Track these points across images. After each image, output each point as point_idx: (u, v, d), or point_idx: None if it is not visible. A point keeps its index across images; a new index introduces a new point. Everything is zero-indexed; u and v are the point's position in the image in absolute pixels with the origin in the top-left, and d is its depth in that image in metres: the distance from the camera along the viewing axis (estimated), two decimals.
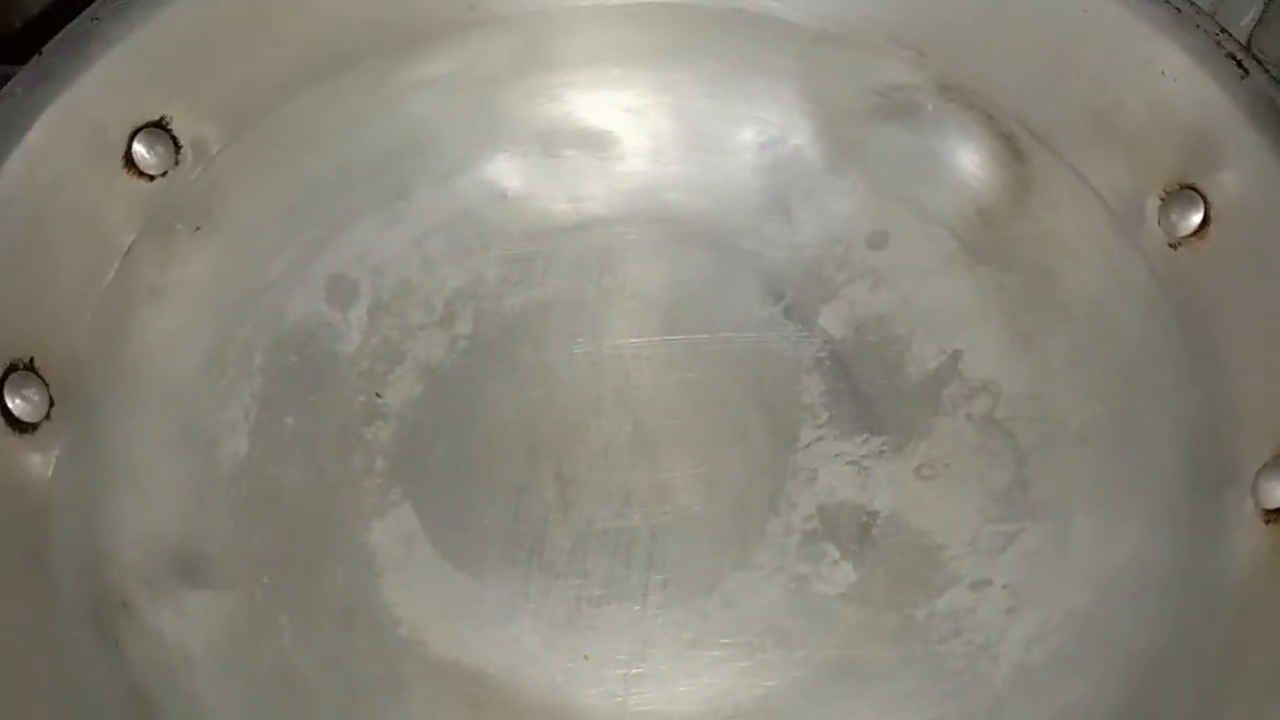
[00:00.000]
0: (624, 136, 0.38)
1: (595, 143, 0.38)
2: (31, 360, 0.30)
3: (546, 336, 0.35)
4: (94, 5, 0.31)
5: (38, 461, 0.29)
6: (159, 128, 0.33)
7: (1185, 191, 0.31)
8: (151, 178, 0.33)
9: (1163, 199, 0.32)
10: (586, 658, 0.31)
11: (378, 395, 0.34)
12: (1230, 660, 0.26)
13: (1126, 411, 0.32)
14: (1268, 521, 0.27)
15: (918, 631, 0.30)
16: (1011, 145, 0.35)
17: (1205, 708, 0.25)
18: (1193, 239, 0.31)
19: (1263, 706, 0.24)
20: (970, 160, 0.36)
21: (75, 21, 0.30)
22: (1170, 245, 0.32)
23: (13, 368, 0.29)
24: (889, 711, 0.29)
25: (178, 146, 0.33)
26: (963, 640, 0.30)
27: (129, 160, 0.32)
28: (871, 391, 0.34)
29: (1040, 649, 0.29)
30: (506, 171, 0.37)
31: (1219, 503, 0.28)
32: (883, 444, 0.33)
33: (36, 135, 0.30)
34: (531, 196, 0.37)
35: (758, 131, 0.37)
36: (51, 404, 0.30)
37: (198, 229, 0.34)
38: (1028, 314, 0.34)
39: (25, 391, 0.29)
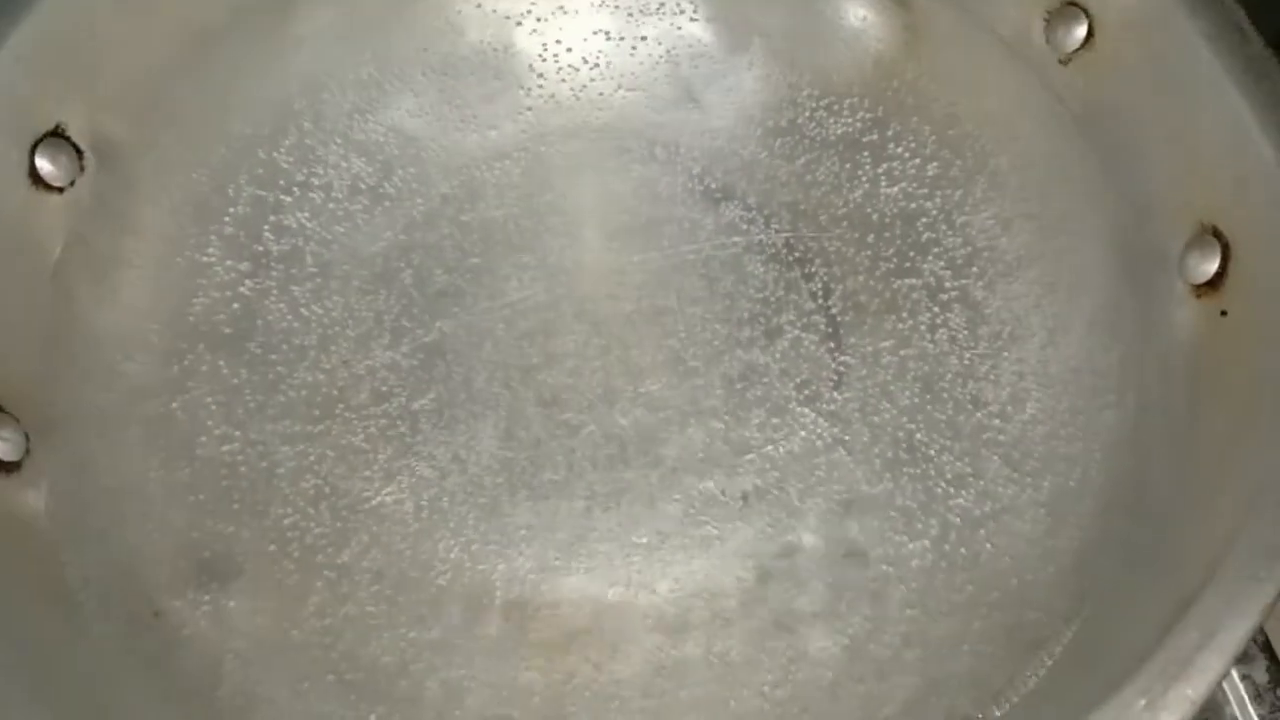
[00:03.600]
0: (521, 52, 0.38)
1: (494, 66, 0.37)
2: None
3: (493, 271, 0.36)
4: None
5: (32, 497, 0.29)
6: (57, 136, 0.32)
7: (1067, 8, 0.33)
8: (61, 189, 0.32)
9: (1047, 19, 0.34)
10: (611, 558, 0.32)
11: (345, 363, 0.34)
12: (1193, 431, 0.28)
13: (1050, 225, 0.34)
14: (1199, 296, 0.30)
15: (906, 465, 0.33)
16: None
17: (1175, 477, 0.28)
18: (1081, 52, 0.33)
19: (1226, 469, 0.27)
20: (857, 16, 0.37)
21: None
22: (1060, 61, 0.34)
23: None
24: (891, 540, 0.32)
25: (79, 153, 0.32)
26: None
27: (35, 176, 0.31)
28: (814, 255, 0.36)
29: (1023, 450, 0.32)
30: (410, 112, 0.37)
31: (1151, 289, 0.31)
32: (842, 302, 0.35)
33: None
34: (441, 133, 0.37)
35: (652, 26, 0.38)
36: (28, 438, 0.29)
37: (121, 230, 0.33)
38: (942, 153, 0.36)
39: (1, 432, 0.28)
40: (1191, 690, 0.21)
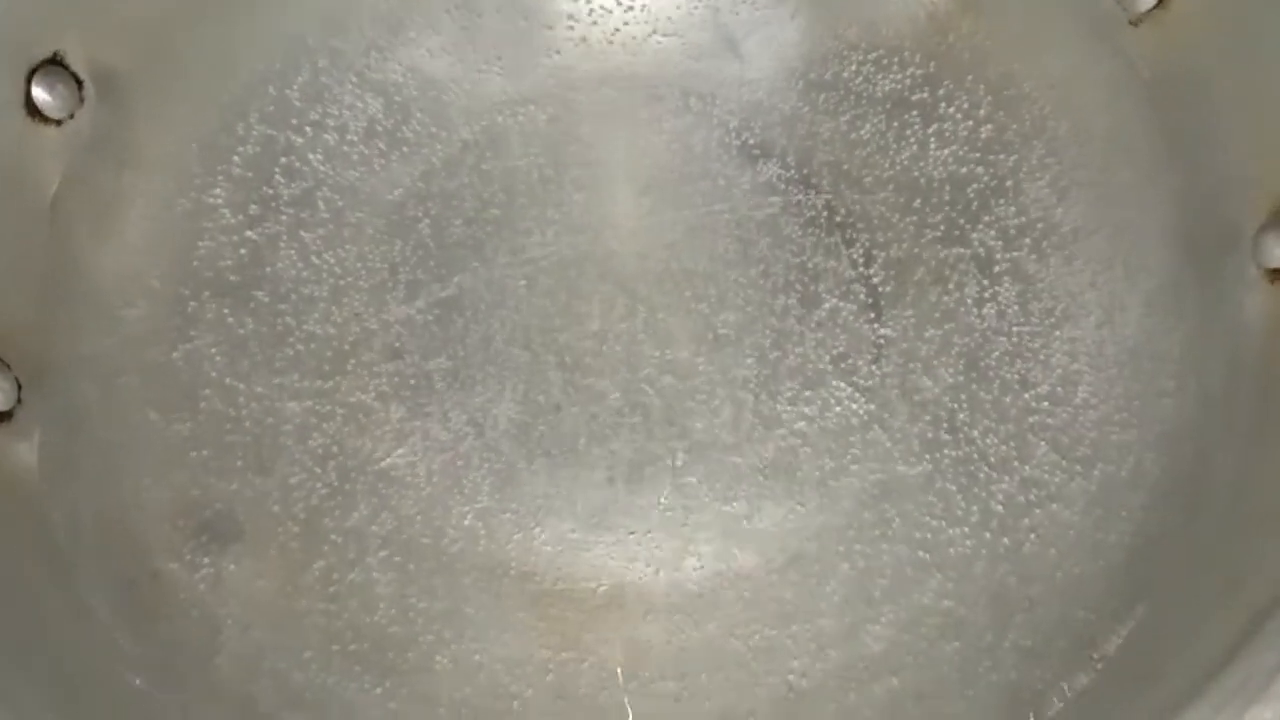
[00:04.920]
0: None
1: (522, 5, 0.35)
2: None
3: (514, 224, 0.34)
4: None
5: (23, 450, 0.27)
6: (55, 65, 0.29)
7: None
8: (59, 122, 0.30)
9: None
10: (632, 533, 0.31)
11: (357, 316, 0.32)
12: (1259, 425, 0.27)
13: (1111, 197, 0.32)
14: (1274, 281, 0.28)
15: (946, 447, 0.31)
16: None
17: (1241, 475, 0.26)
18: (1154, 12, 0.31)
19: None
20: None
21: None
22: (1131, 22, 0.32)
23: None
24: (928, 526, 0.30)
25: (79, 83, 0.30)
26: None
27: (31, 107, 0.29)
28: (856, 219, 0.34)
29: (1073, 435, 0.30)
30: (431, 51, 0.35)
31: (1220, 271, 0.29)
32: (884, 271, 0.33)
33: None
34: (464, 75, 0.35)
35: None
36: (20, 386, 0.27)
37: (122, 167, 0.31)
38: (998, 115, 0.34)
39: None
40: (1270, 714, 0.19)
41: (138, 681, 0.25)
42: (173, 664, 0.27)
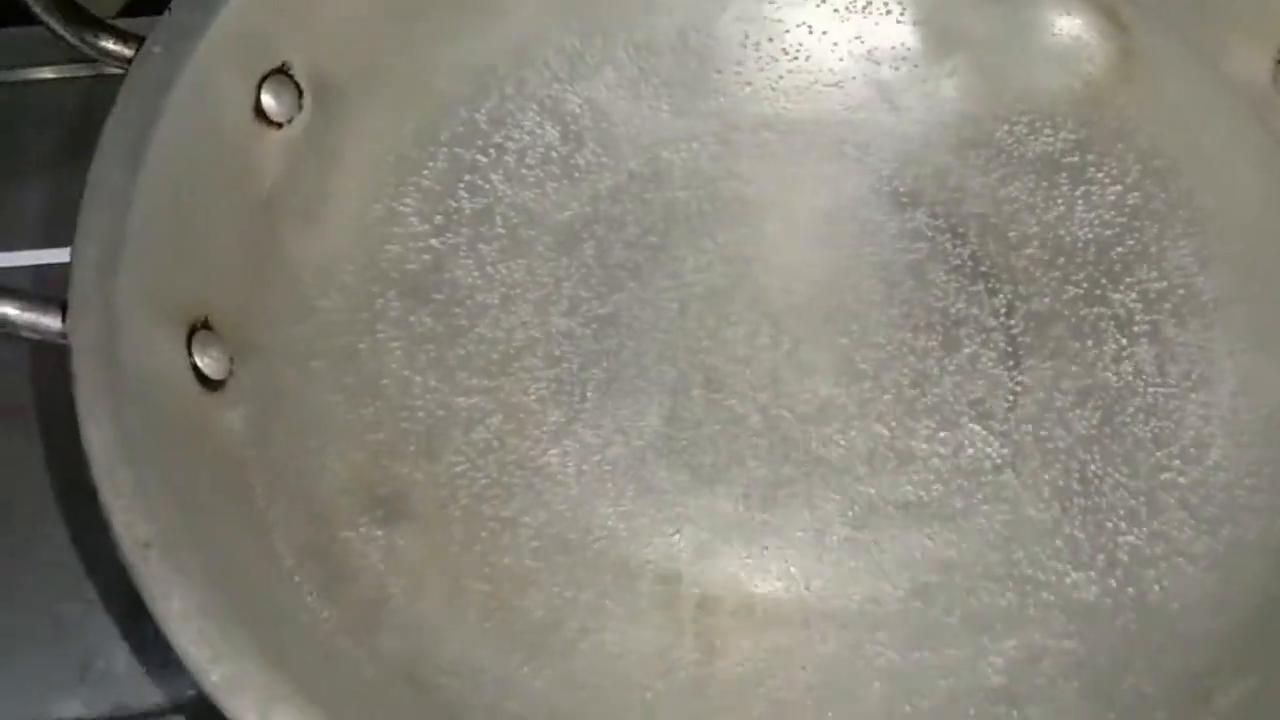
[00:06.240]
0: (723, 38, 0.38)
1: (694, 49, 0.38)
2: (206, 319, 0.30)
3: (671, 251, 0.36)
4: None
5: (233, 418, 0.30)
6: (282, 74, 0.33)
7: None
8: (280, 125, 0.33)
9: (1278, 60, 0.33)
10: (765, 549, 0.32)
11: (523, 324, 0.35)
12: None
13: (1251, 270, 0.33)
14: None
15: (1077, 495, 0.32)
16: (1113, 16, 0.36)
17: None
18: None
19: None
20: (1071, 35, 0.36)
21: None
22: None
23: (194, 328, 0.30)
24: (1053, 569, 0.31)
25: (300, 92, 0.33)
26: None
27: (259, 111, 0.32)
28: (1000, 271, 0.35)
29: (1202, 495, 0.31)
30: (607, 85, 0.38)
31: None
32: (1024, 322, 0.34)
33: (179, 95, 0.30)
34: (635, 110, 0.38)
35: (856, 25, 0.38)
36: (232, 360, 0.30)
37: (327, 171, 0.34)
38: (1145, 183, 0.35)
39: (210, 350, 0.30)
40: None
41: (322, 632, 0.28)
42: (349, 623, 0.29)
